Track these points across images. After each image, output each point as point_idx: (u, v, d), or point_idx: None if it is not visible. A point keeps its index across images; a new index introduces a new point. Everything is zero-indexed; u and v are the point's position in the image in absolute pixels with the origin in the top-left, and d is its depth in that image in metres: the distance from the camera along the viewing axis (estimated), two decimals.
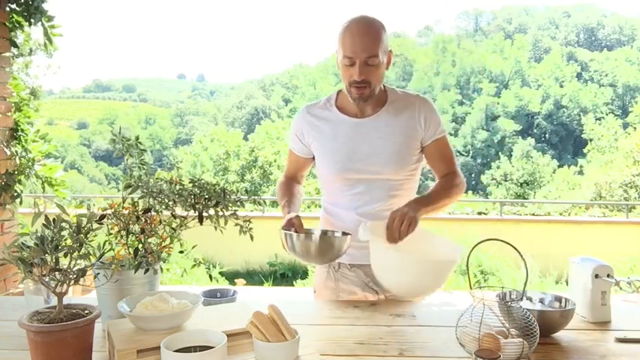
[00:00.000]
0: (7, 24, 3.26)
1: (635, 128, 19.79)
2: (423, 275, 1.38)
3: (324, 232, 1.69)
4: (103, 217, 1.25)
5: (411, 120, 1.72)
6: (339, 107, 1.77)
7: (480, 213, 7.45)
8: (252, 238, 1.38)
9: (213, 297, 1.55)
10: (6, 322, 1.45)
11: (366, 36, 1.59)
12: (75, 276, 1.13)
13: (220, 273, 6.38)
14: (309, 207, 8.26)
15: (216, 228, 1.33)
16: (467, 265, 1.32)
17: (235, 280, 6.02)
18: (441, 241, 1.54)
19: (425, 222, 1.60)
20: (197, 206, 1.33)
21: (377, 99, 1.71)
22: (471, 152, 46.79)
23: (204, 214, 1.33)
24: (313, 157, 1.83)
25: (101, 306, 1.35)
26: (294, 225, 1.58)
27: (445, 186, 1.72)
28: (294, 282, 6.37)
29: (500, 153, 41.37)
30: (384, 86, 1.76)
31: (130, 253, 1.32)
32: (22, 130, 3.35)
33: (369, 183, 1.71)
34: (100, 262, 1.29)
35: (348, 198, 1.74)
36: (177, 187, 1.35)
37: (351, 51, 1.59)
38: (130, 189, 1.31)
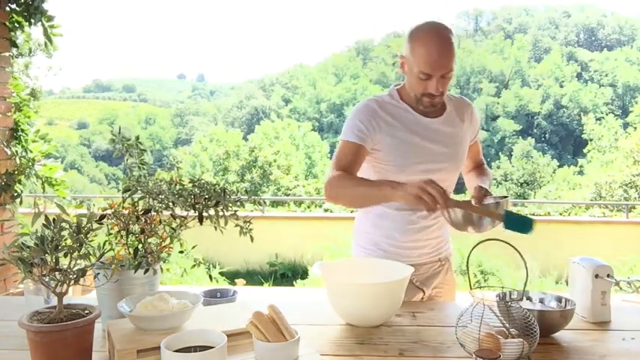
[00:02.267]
0: (7, 24, 3.26)
1: (635, 128, 19.77)
2: (378, 297, 1.40)
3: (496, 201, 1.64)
4: (103, 217, 1.25)
5: (468, 122, 1.83)
6: (407, 103, 1.75)
7: None
8: (252, 239, 1.38)
9: (213, 297, 1.55)
10: (6, 322, 1.45)
11: (443, 52, 1.59)
12: (75, 276, 1.13)
13: (220, 273, 6.38)
14: (308, 207, 8.26)
15: (216, 228, 1.33)
16: (467, 265, 1.32)
17: (235, 280, 6.01)
18: (390, 264, 1.58)
19: None
20: (197, 206, 1.33)
21: None
22: None
23: (204, 214, 1.33)
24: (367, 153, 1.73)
25: (101, 306, 1.35)
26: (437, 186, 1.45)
27: (488, 176, 1.89)
28: (294, 282, 6.37)
29: (500, 153, 41.34)
30: None
31: (130, 253, 1.32)
32: (22, 130, 3.35)
33: None
34: (100, 262, 1.29)
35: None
36: (177, 187, 1.35)
37: (428, 68, 1.60)
38: (128, 192, 1.31)
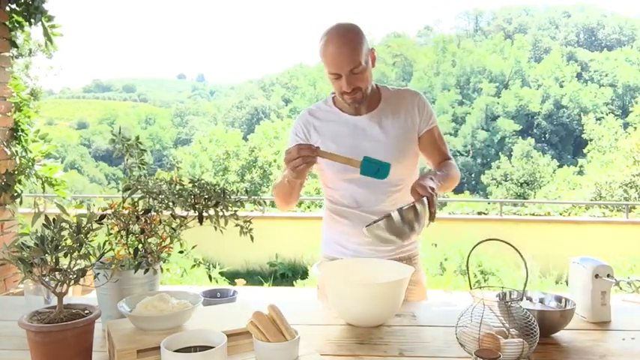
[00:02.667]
0: (7, 24, 3.26)
1: (635, 128, 19.80)
2: (378, 297, 1.39)
3: (399, 209, 1.50)
4: (103, 217, 1.25)
5: (407, 113, 1.78)
6: (338, 107, 1.81)
7: (480, 213, 7.45)
8: (252, 238, 1.38)
9: (213, 297, 1.55)
10: (6, 322, 1.45)
11: (345, 50, 1.61)
12: (75, 276, 1.13)
13: (220, 273, 6.38)
14: (309, 207, 8.27)
15: (216, 228, 1.33)
16: (467, 265, 1.32)
17: (235, 280, 6.02)
18: (390, 264, 1.57)
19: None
20: (197, 206, 1.33)
21: (371, 97, 1.75)
22: (471, 152, 46.76)
23: (204, 214, 1.33)
24: None
25: (101, 306, 1.35)
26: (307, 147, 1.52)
27: (447, 168, 1.76)
28: (294, 282, 6.37)
29: (500, 153, 41.32)
30: (376, 85, 1.80)
31: (130, 253, 1.32)
32: (22, 130, 3.35)
33: (371, 180, 1.69)
34: (100, 262, 1.29)
35: (352, 196, 1.76)
36: (177, 187, 1.35)
37: (334, 67, 1.63)
38: (129, 191, 1.31)
